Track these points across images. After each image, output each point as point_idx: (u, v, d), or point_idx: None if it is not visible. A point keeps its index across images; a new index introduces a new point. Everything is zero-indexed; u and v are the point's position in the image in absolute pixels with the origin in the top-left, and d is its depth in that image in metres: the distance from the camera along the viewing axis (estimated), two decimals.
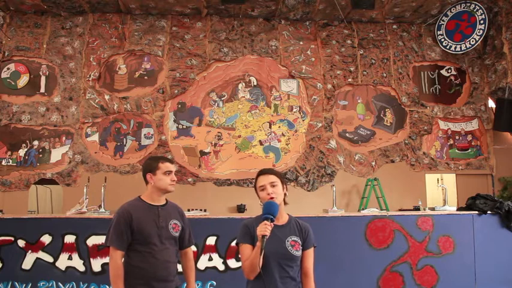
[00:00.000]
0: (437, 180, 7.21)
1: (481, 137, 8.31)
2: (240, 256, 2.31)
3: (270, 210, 2.18)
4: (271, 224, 2.14)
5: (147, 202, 2.68)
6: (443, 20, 8.10)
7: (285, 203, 2.37)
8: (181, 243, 2.78)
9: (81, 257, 4.37)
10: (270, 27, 8.12)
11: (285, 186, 2.36)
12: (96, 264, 4.37)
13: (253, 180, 2.41)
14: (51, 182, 7.45)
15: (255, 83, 7.95)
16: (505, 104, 7.65)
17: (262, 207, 2.23)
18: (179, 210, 2.82)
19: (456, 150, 8.22)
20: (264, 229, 2.11)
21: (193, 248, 4.39)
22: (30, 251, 4.35)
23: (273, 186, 2.30)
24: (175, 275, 2.68)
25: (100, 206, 5.35)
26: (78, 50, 7.72)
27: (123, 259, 2.58)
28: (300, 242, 2.30)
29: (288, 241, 2.27)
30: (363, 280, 4.80)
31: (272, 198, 2.26)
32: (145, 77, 7.79)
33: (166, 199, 2.79)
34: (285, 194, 2.36)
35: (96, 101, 7.60)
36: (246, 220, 2.35)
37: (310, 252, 2.34)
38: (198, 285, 4.44)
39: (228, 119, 7.80)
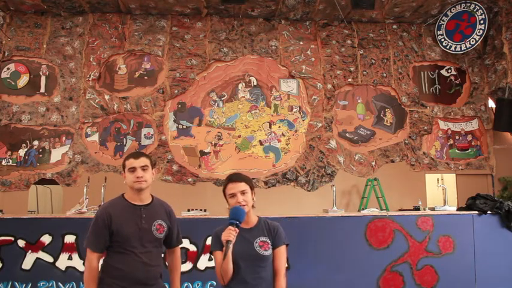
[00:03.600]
0: (437, 180, 7.21)
1: (481, 137, 8.30)
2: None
3: (235, 216, 2.23)
4: (236, 229, 2.19)
5: (129, 201, 2.54)
6: (443, 20, 8.09)
7: (253, 207, 2.42)
8: (169, 243, 2.67)
9: (81, 257, 4.36)
10: (270, 27, 8.12)
11: (253, 192, 2.41)
12: None
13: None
14: (51, 182, 7.44)
15: (255, 83, 7.95)
16: (505, 104, 7.64)
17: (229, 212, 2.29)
18: (166, 208, 2.65)
19: (456, 150, 8.21)
20: (228, 234, 2.17)
21: (194, 248, 4.43)
22: (30, 251, 4.35)
23: (243, 194, 2.34)
24: (158, 278, 2.55)
25: (100, 206, 5.34)
26: (78, 50, 7.71)
27: (100, 261, 2.49)
28: (269, 241, 2.34)
29: (256, 242, 2.32)
30: (362, 280, 4.80)
31: (243, 206, 2.30)
32: (145, 77, 7.79)
33: (152, 196, 2.62)
34: (253, 199, 2.40)
35: (96, 101, 7.60)
36: (217, 228, 2.39)
37: (281, 251, 2.36)
38: (198, 285, 4.45)
39: (228, 119, 7.80)
